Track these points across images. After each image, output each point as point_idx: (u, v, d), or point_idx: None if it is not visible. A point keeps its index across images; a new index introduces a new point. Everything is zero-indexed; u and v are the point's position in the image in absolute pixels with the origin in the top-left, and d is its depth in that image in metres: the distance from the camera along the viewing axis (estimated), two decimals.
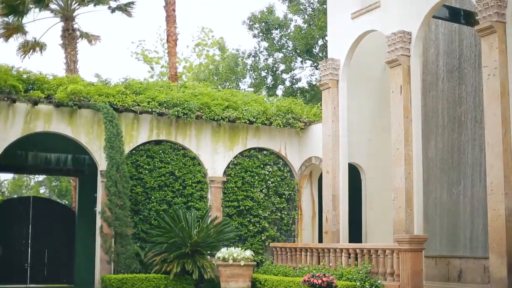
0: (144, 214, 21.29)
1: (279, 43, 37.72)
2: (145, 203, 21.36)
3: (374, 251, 18.09)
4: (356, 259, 18.70)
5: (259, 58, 38.59)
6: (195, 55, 49.22)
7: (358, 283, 17.43)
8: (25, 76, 20.67)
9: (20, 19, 31.68)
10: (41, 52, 33.06)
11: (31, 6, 31.20)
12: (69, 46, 32.32)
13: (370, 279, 17.61)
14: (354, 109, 22.22)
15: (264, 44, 38.07)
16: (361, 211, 22.64)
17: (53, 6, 32.39)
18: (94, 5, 33.14)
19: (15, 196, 52.28)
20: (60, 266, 25.11)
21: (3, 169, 23.42)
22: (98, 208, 20.79)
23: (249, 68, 38.93)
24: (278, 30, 37.50)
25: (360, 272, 17.80)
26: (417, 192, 18.52)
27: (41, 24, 55.26)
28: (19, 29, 31.97)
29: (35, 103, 20.01)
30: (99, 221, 20.47)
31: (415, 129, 18.69)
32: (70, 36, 32.34)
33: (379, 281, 17.45)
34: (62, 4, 32.37)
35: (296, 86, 38.97)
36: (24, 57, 32.75)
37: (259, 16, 37.09)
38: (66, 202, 49.01)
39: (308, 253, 20.65)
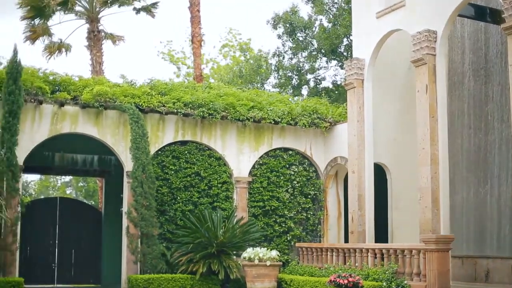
0: (170, 214, 21.36)
1: (304, 43, 37.61)
2: (171, 203, 21.44)
3: (401, 251, 18.01)
4: (382, 259, 18.63)
5: (283, 57, 38.52)
6: (221, 56, 49.34)
7: (384, 283, 17.37)
8: (51, 77, 20.84)
9: (46, 21, 31.97)
10: (66, 53, 33.32)
11: (57, 8, 31.41)
12: (95, 48, 32.58)
13: (397, 279, 17.54)
14: (380, 109, 22.10)
15: (289, 43, 37.99)
16: (387, 211, 22.52)
17: (78, 8, 32.66)
18: (119, 6, 33.33)
19: (42, 197, 52.65)
20: (87, 266, 25.19)
21: (30, 170, 23.52)
22: (124, 208, 20.89)
23: (273, 69, 38.86)
24: (303, 31, 37.37)
25: (386, 272, 17.74)
26: (444, 191, 18.38)
27: (66, 26, 55.58)
28: (45, 31, 32.24)
29: (62, 104, 20.16)
30: (125, 222, 20.57)
31: (441, 129, 18.57)
32: (95, 38, 32.60)
33: (405, 282, 17.37)
34: (87, 6, 32.61)
35: (321, 86, 38.83)
36: (49, 58, 33.00)
37: (283, 17, 37.00)
38: (93, 203, 49.31)
39: (334, 253, 20.61)
